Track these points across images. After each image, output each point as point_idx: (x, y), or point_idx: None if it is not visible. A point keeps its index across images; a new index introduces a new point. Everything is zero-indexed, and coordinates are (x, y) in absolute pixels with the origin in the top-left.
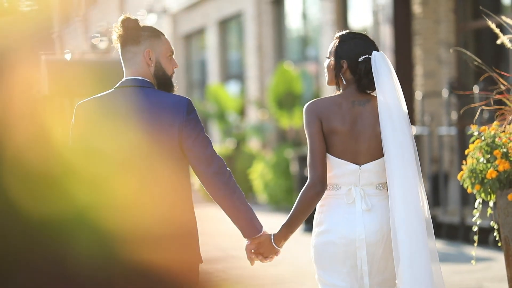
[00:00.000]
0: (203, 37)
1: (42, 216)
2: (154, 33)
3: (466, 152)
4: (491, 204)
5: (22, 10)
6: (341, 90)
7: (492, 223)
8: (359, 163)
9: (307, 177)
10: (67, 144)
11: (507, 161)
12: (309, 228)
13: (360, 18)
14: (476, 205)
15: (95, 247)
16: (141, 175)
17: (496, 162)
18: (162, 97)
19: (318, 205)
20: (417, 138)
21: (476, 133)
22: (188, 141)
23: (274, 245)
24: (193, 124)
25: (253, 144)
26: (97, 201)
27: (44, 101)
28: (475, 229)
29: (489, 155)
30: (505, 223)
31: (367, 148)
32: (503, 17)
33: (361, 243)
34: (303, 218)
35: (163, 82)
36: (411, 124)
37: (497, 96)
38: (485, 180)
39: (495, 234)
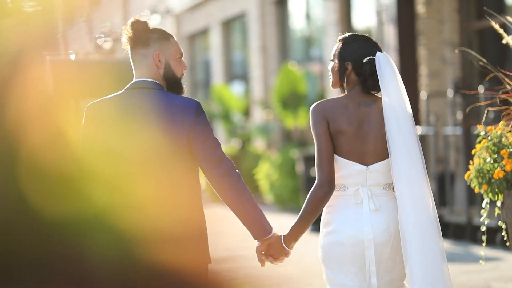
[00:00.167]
0: (207, 38)
1: (58, 217)
2: (163, 35)
3: (473, 152)
4: (498, 204)
5: (25, 11)
6: (346, 92)
7: (500, 223)
8: (366, 163)
9: (313, 177)
10: (83, 145)
11: None
12: (315, 228)
13: (364, 18)
14: (483, 205)
15: (112, 248)
16: (154, 176)
17: (503, 162)
18: (171, 99)
19: (325, 206)
20: (423, 138)
21: (482, 133)
22: (197, 142)
23: (285, 247)
24: (202, 126)
25: (258, 144)
26: (113, 201)
27: (58, 101)
28: (483, 229)
29: (496, 155)
30: None
31: (373, 148)
32: (508, 17)
33: (369, 243)
34: (313, 218)
35: (172, 84)
36: (416, 124)
37: (503, 96)
38: (492, 180)
39: (503, 234)
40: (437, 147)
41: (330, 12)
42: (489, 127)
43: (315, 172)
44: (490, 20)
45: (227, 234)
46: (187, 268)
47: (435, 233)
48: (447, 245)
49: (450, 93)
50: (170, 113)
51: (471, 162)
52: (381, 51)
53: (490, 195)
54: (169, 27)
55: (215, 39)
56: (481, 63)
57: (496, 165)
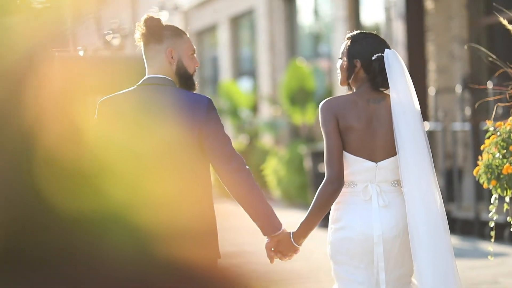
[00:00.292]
0: (215, 34)
1: (75, 214)
2: (176, 32)
3: (482, 147)
4: (507, 199)
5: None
6: (354, 90)
7: (508, 218)
8: (375, 160)
9: (320, 173)
10: (98, 141)
11: None
12: (323, 224)
13: (372, 14)
14: (492, 200)
15: (129, 244)
16: (168, 172)
17: None
18: (183, 96)
19: (334, 202)
20: (431, 134)
21: (491, 129)
22: (208, 139)
23: (294, 243)
24: (214, 123)
25: (266, 140)
26: (130, 198)
27: (73, 98)
28: (492, 224)
29: (505, 151)
30: None
31: (383, 145)
32: None
33: (378, 239)
34: (322, 215)
35: (184, 80)
36: (425, 120)
37: None
38: (501, 176)
39: (511, 229)
40: (445, 142)
41: (339, 8)
42: (498, 123)
43: (324, 168)
44: (499, 16)
45: (234, 230)
46: (199, 262)
47: (444, 229)
48: (455, 240)
49: (458, 89)
50: (182, 110)
51: (480, 157)
52: (389, 48)
53: (499, 190)
54: (177, 24)
55: (223, 36)
56: (490, 58)
57: (505, 160)
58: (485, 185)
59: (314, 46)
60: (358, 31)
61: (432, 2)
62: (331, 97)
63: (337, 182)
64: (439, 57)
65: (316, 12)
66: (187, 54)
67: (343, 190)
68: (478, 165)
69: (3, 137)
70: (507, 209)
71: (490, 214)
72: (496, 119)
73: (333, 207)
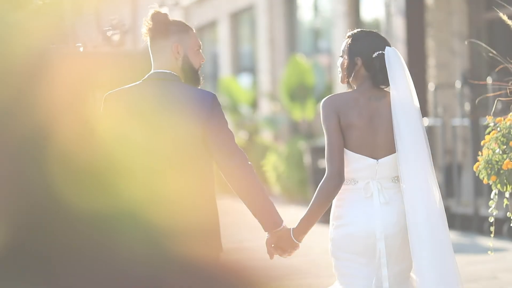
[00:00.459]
0: (215, 30)
1: (87, 212)
2: (182, 27)
3: (482, 143)
4: (507, 195)
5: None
6: (355, 87)
7: (508, 214)
8: (376, 157)
9: (320, 169)
10: (109, 138)
11: None
12: (322, 220)
13: (372, 10)
14: (492, 196)
15: (143, 242)
16: (178, 168)
17: None
18: (188, 91)
19: (335, 199)
20: (430, 130)
21: (492, 124)
22: (212, 134)
23: (294, 239)
24: (218, 118)
25: (266, 136)
26: (143, 195)
27: (85, 94)
28: (492, 220)
29: (505, 146)
30: None
31: (384, 142)
32: None
33: (380, 236)
34: (322, 211)
35: (190, 75)
36: (424, 116)
37: None
38: (501, 171)
39: (511, 225)
40: (445, 138)
41: (338, 4)
42: (498, 118)
43: (325, 165)
44: (499, 11)
45: (232, 226)
46: (206, 257)
47: (443, 225)
48: (454, 236)
49: (458, 84)
50: (187, 105)
51: (480, 153)
52: (389, 45)
53: (499, 186)
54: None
55: (223, 32)
56: (490, 54)
57: (505, 156)
58: (485, 181)
59: (314, 42)
60: (359, 29)
61: None
62: (332, 94)
63: (337, 179)
64: (439, 52)
65: (316, 8)
66: (193, 50)
67: (345, 187)
68: (477, 161)
69: (16, 135)
70: (506, 204)
71: (490, 210)
72: (495, 115)
73: (334, 204)
